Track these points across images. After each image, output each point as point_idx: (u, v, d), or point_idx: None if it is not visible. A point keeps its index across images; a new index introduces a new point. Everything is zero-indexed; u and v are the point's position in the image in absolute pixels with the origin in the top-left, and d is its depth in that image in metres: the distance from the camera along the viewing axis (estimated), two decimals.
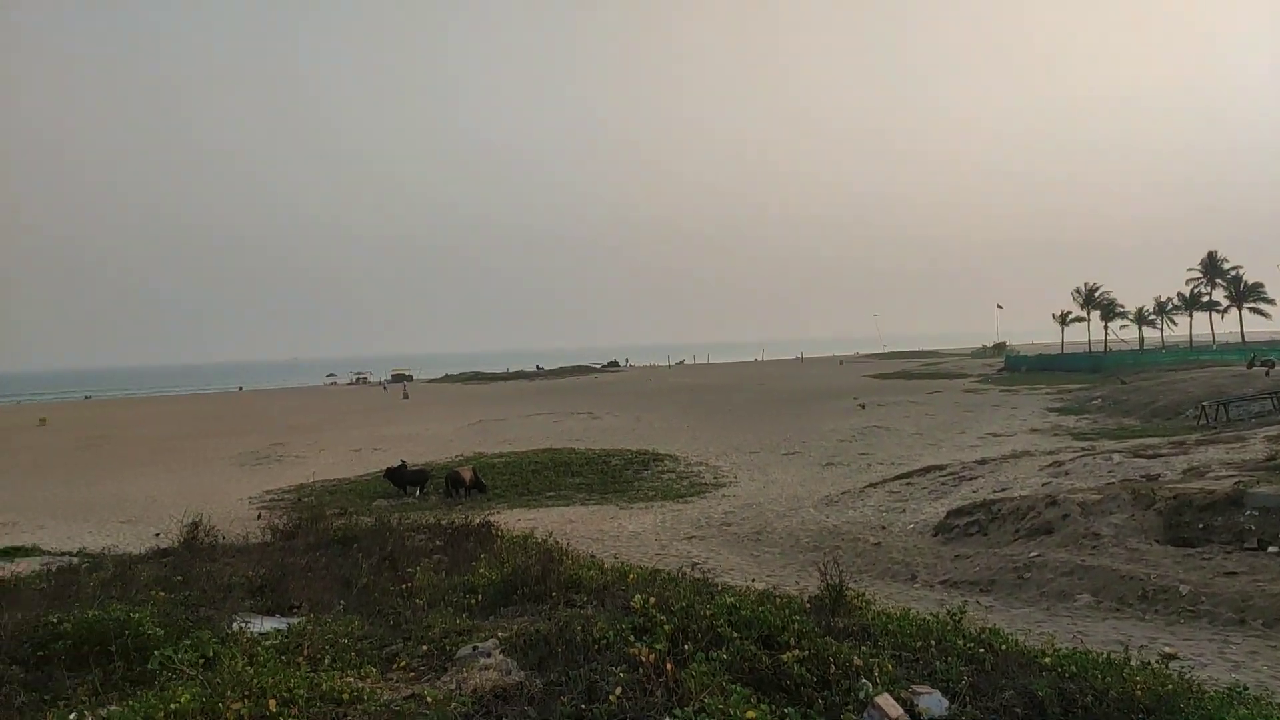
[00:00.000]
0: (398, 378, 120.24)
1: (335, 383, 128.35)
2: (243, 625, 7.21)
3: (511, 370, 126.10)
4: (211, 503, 24.52)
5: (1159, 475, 17.35)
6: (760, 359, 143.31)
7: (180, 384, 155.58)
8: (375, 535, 12.18)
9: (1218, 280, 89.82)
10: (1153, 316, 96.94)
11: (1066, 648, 6.27)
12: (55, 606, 8.10)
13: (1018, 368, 74.92)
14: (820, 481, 24.93)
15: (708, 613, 5.89)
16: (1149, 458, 19.35)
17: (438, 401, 74.59)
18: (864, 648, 5.63)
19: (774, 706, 4.56)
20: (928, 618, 6.77)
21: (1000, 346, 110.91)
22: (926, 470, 22.37)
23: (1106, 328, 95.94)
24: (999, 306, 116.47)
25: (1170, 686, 5.30)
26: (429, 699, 5.02)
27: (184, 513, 14.91)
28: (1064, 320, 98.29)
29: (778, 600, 6.87)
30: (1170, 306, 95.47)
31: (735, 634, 5.56)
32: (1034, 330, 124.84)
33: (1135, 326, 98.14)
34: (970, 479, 20.41)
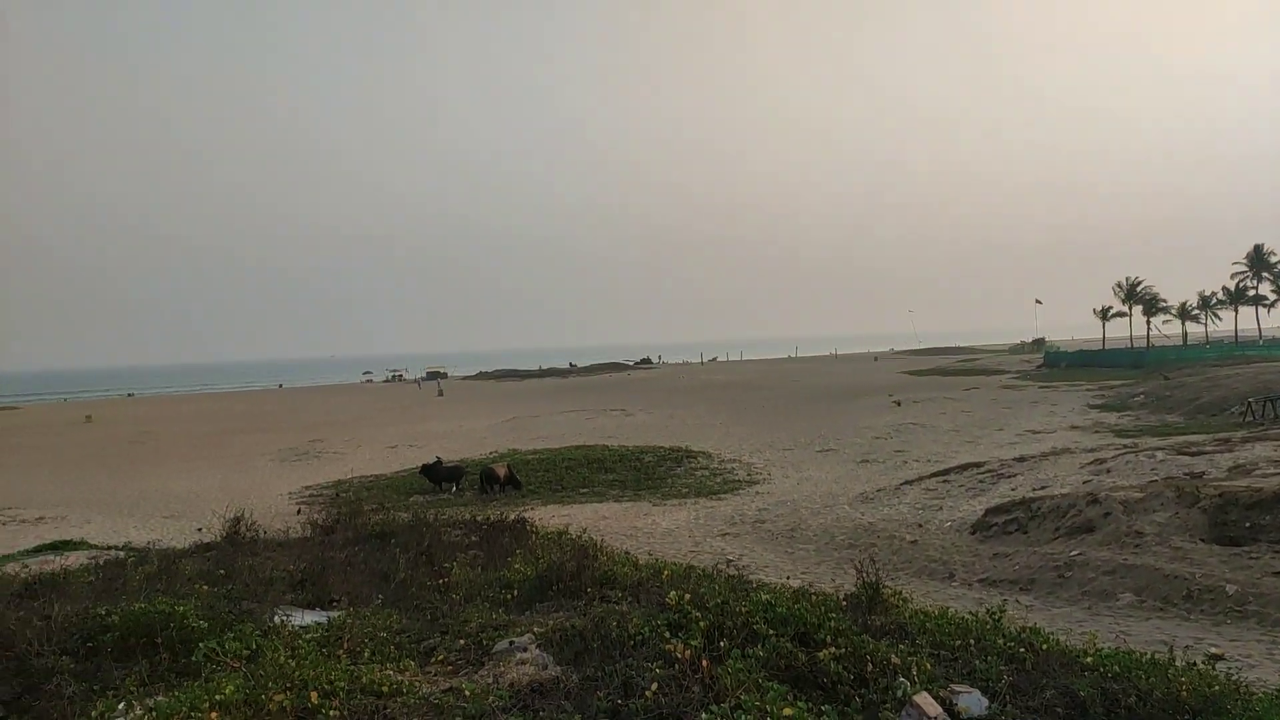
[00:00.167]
0: (432, 375, 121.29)
1: (371, 380, 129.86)
2: (284, 618, 7.32)
3: (544, 368, 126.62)
4: (253, 498, 24.96)
5: (1204, 473, 16.99)
6: (794, 355, 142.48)
7: (222, 381, 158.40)
8: (412, 531, 12.30)
9: (1264, 274, 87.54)
10: (1196, 311, 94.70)
11: (1109, 647, 6.17)
12: (103, 599, 8.29)
13: (1057, 364, 73.68)
14: (855, 479, 24.74)
15: (743, 609, 5.89)
16: (1193, 455, 18.94)
17: (472, 398, 75.15)
18: (901, 646, 5.59)
19: (811, 704, 4.54)
20: (966, 616, 6.70)
21: (1039, 342, 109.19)
22: (964, 467, 22.09)
23: (1149, 323, 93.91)
24: (1038, 302, 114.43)
25: (1217, 688, 5.20)
26: (467, 692, 5.07)
27: (226, 508, 15.19)
28: (1105, 315, 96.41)
29: (813, 598, 6.85)
30: (1215, 301, 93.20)
31: (771, 631, 5.55)
32: (1074, 325, 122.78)
33: (1179, 321, 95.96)
34: (1009, 476, 20.13)
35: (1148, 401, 39.69)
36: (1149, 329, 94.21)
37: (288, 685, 4.89)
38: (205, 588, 8.68)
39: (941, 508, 18.34)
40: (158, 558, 11.22)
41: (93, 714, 5.45)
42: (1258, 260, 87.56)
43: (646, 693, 4.67)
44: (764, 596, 6.31)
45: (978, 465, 22.14)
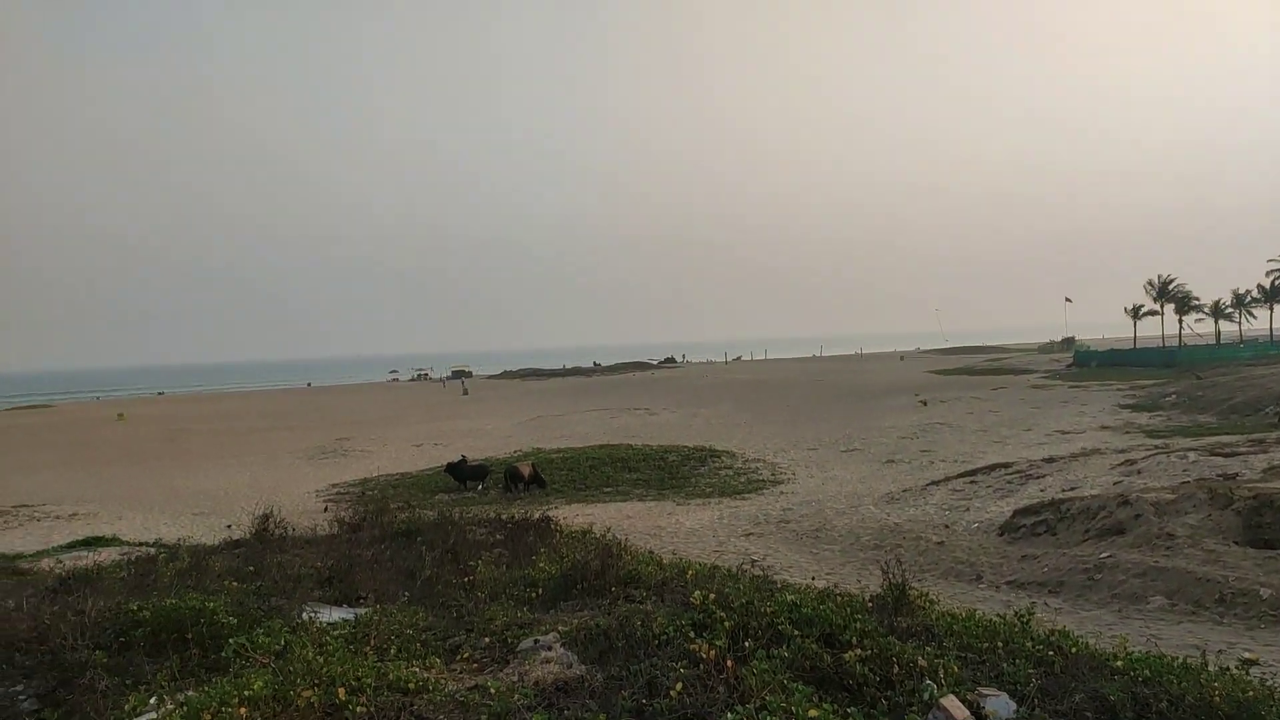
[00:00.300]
0: (457, 374, 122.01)
1: (397, 379, 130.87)
2: (312, 615, 7.39)
3: (568, 367, 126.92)
4: (281, 495, 25.23)
5: (1237, 474, 16.71)
6: (819, 355, 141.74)
7: (252, 380, 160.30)
8: (438, 529, 12.38)
9: None
10: (1230, 310, 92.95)
11: (1140, 651, 6.08)
12: (135, 595, 8.42)
13: (1087, 363, 72.70)
14: (881, 479, 24.58)
15: (768, 610, 5.86)
16: (1226, 456, 18.64)
17: (496, 397, 75.52)
18: (928, 648, 5.53)
19: (836, 706, 4.51)
20: (994, 619, 6.63)
21: (1069, 341, 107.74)
22: (991, 468, 21.88)
23: (1181, 321, 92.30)
24: (1068, 300, 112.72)
25: (1251, 693, 5.10)
26: (492, 690, 5.09)
27: (255, 505, 15.37)
28: (1136, 314, 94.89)
29: (839, 598, 6.81)
30: (1249, 299, 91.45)
31: (796, 632, 5.52)
32: (1105, 324, 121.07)
33: (1211, 320, 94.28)
34: (1037, 477, 19.92)
35: (1180, 401, 39.10)
36: (1181, 328, 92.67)
37: (315, 681, 4.94)
38: (235, 584, 8.80)
39: (969, 509, 18.18)
40: (188, 554, 11.36)
41: (125, 708, 5.54)
42: None
43: (671, 692, 4.66)
44: (789, 597, 6.28)
45: (1006, 466, 21.92)
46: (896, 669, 5.05)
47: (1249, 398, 35.57)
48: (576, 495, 24.87)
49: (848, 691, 4.91)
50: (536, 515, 13.88)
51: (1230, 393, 37.60)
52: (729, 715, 4.35)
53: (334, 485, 29.28)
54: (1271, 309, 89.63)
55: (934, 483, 21.58)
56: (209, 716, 4.63)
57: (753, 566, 12.89)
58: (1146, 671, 5.40)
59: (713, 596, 6.27)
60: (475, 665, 6.10)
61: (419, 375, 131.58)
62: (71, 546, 16.28)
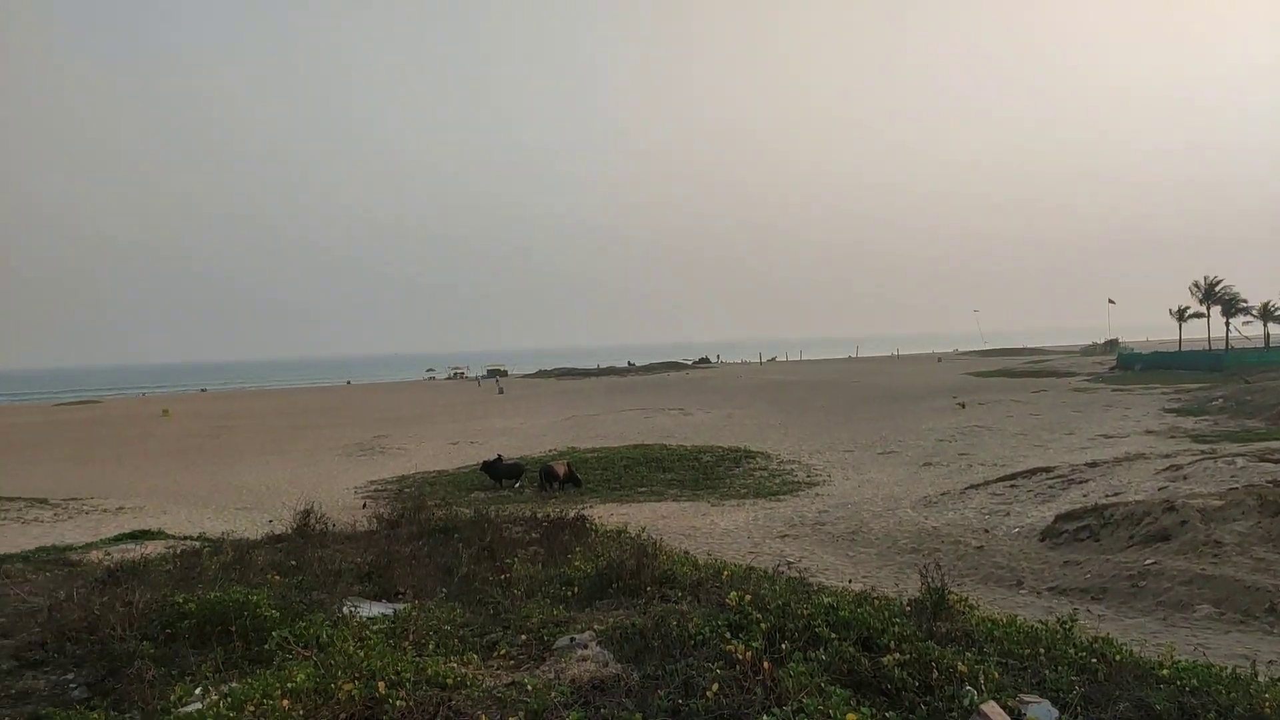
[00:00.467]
0: (493, 373, 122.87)
1: (434, 377, 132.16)
2: (352, 609, 7.50)
3: (603, 366, 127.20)
4: (320, 491, 25.60)
5: None
6: (855, 356, 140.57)
7: (293, 377, 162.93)
8: (474, 526, 12.47)
9: None
10: None
11: (1186, 660, 5.96)
12: (181, 587, 8.61)
13: (1131, 366, 71.24)
14: (918, 482, 24.31)
15: (805, 612, 5.84)
16: (1276, 462, 18.16)
17: (531, 396, 75.92)
18: (968, 654, 5.46)
19: (874, 710, 4.47)
20: (1036, 625, 6.54)
21: (1112, 343, 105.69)
22: (1032, 472, 21.54)
23: (1228, 324, 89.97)
24: (1111, 301, 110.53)
25: None
26: (529, 687, 5.13)
27: (296, 500, 15.61)
28: (1181, 316, 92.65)
29: (876, 602, 6.75)
30: None
31: (833, 635, 5.49)
32: (1149, 326, 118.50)
33: (1260, 323, 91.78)
34: (1080, 482, 19.56)
35: (1227, 406, 38.15)
36: (1228, 330, 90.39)
37: (356, 675, 5.01)
38: (277, 578, 8.95)
39: (1009, 513, 17.91)
40: (232, 548, 11.57)
41: (171, 698, 5.66)
42: None
43: (707, 693, 4.66)
44: (826, 599, 6.25)
45: (1047, 470, 21.56)
46: (936, 674, 4.99)
47: None
48: (611, 495, 24.92)
49: (886, 696, 4.87)
50: (572, 514, 13.92)
51: None
52: (765, 717, 4.33)
53: (372, 482, 29.64)
54: None
55: (973, 486, 21.30)
56: (252, 708, 4.72)
57: (788, 568, 12.84)
58: (1194, 681, 5.29)
59: (749, 598, 6.26)
60: (512, 662, 6.14)
61: (455, 374, 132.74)
62: (119, 539, 16.62)
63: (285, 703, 4.70)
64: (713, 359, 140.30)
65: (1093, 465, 21.67)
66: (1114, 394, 48.52)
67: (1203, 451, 22.47)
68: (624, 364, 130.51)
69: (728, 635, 5.58)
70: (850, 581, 12.16)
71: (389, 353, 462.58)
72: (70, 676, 6.67)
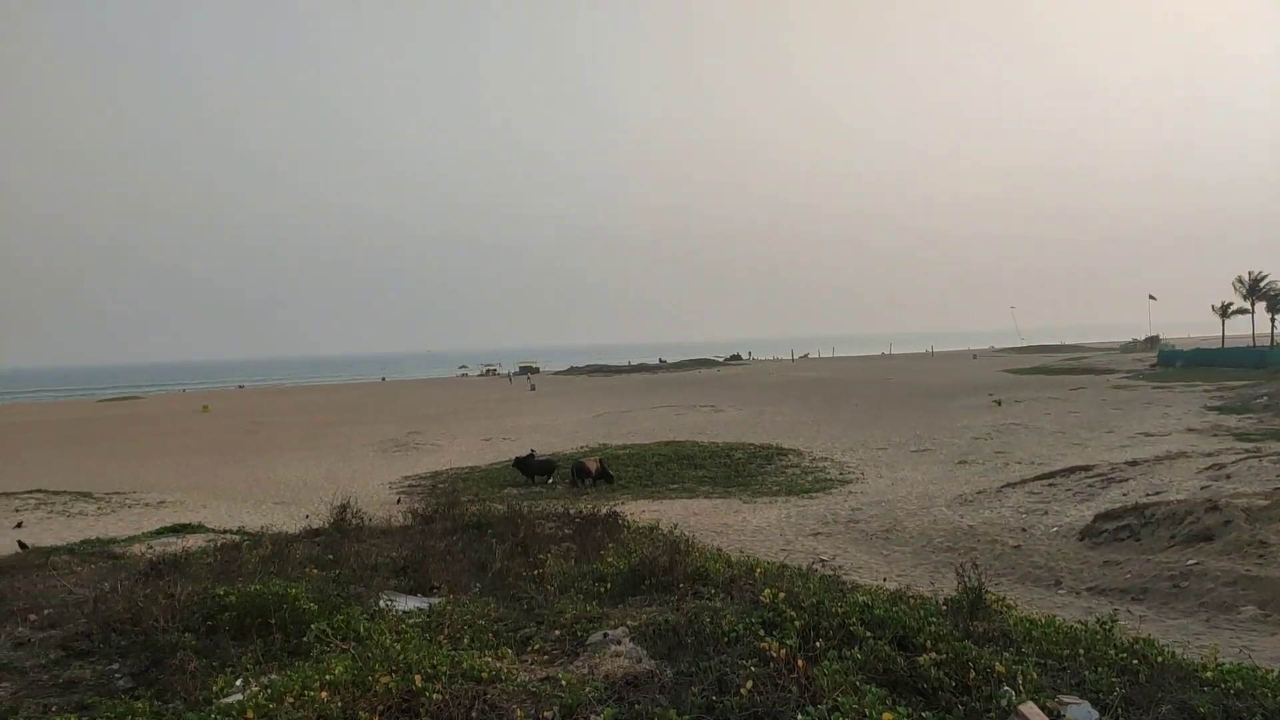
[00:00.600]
0: (525, 369, 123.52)
1: (467, 374, 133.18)
2: (388, 603, 7.59)
3: (634, 363, 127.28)
4: (356, 486, 25.91)
5: None
6: (888, 353, 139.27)
7: (329, 374, 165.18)
8: (508, 522, 12.56)
9: None
10: None
11: (1230, 663, 5.83)
12: (221, 580, 8.74)
13: (1172, 363, 69.80)
14: (953, 480, 24.05)
15: (839, 610, 5.81)
16: None
17: (563, 393, 76.19)
18: (1006, 654, 5.40)
19: (911, 710, 4.44)
20: (1075, 625, 6.45)
21: (1153, 340, 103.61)
22: (1070, 471, 21.20)
23: (1274, 320, 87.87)
24: (1152, 298, 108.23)
25: None
26: (564, 682, 5.16)
27: (332, 495, 15.81)
28: (1225, 312, 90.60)
29: (912, 600, 6.70)
30: None
31: (868, 633, 5.46)
32: (1191, 323, 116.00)
33: None
34: (1120, 481, 19.23)
35: (1272, 404, 37.25)
36: (1274, 326, 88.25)
37: (393, 668, 5.07)
38: (315, 571, 9.07)
39: (1047, 512, 17.65)
40: (270, 542, 11.73)
41: (213, 689, 5.77)
42: None
43: (742, 690, 4.65)
44: (860, 598, 6.21)
45: (1086, 469, 21.22)
46: (973, 674, 4.94)
47: None
48: (642, 491, 24.94)
49: (922, 696, 4.82)
50: (604, 510, 13.96)
51: None
52: (800, 716, 4.32)
53: (406, 477, 29.94)
54: None
55: (1009, 485, 21.02)
56: (291, 699, 4.79)
57: (822, 566, 12.77)
58: (1239, 683, 5.18)
59: (782, 595, 6.23)
60: (546, 657, 6.18)
61: (487, 371, 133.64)
62: (161, 533, 16.96)
63: (324, 695, 4.77)
64: (744, 356, 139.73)
65: (1133, 464, 21.30)
66: (1155, 391, 47.60)
67: (1246, 450, 21.98)
68: (655, 361, 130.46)
69: (762, 633, 5.57)
70: (884, 580, 12.07)
71: (423, 350, 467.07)
72: (115, 667, 6.81)
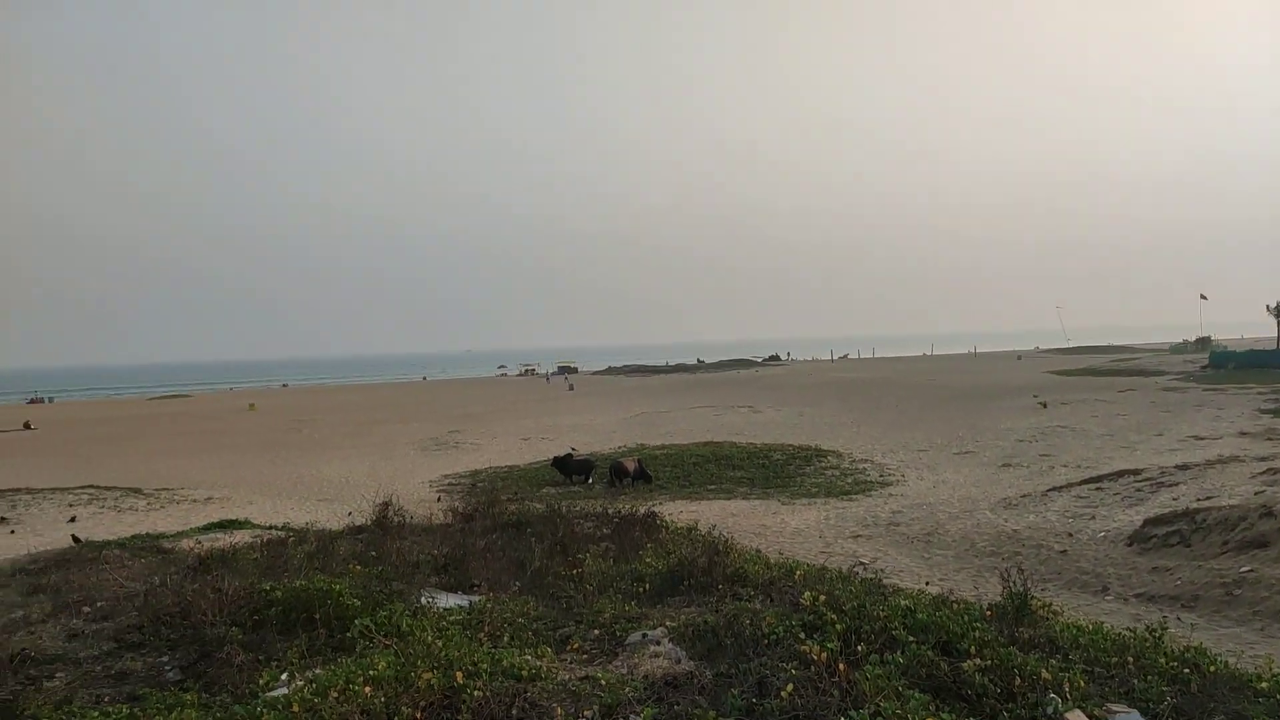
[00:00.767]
0: (563, 369, 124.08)
1: (505, 374, 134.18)
2: (430, 600, 7.67)
3: (672, 363, 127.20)
4: (397, 484, 26.23)
5: None
6: (929, 353, 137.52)
7: (372, 373, 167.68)
8: (546, 521, 12.62)
9: None
10: None
11: None
12: (268, 575, 8.91)
13: (1224, 364, 67.91)
14: (996, 483, 23.66)
15: (881, 614, 5.75)
16: None
17: (600, 393, 76.37)
18: (1052, 661, 5.31)
19: (954, 716, 4.38)
20: (1123, 632, 6.31)
21: (1204, 341, 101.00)
22: (1119, 474, 20.74)
23: None
24: (1203, 297, 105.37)
25: None
26: (603, 681, 5.17)
27: (374, 493, 16.02)
28: None
29: (955, 605, 6.61)
30: None
31: (911, 638, 5.39)
32: (1244, 323, 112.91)
33: None
34: (1170, 485, 18.76)
35: None
36: None
37: (434, 664, 5.12)
38: (358, 568, 9.20)
39: (1094, 517, 17.29)
40: (315, 538, 11.92)
41: (259, 682, 5.87)
42: None
43: (782, 693, 4.62)
44: (903, 602, 6.15)
45: (1134, 472, 20.74)
46: (1018, 681, 4.86)
47: None
48: (680, 492, 24.90)
49: (966, 702, 4.76)
50: (642, 510, 13.97)
51: None
52: None
53: (446, 476, 30.22)
54: None
55: (1055, 488, 20.63)
56: (336, 694, 4.86)
57: (863, 569, 12.65)
58: None
59: (823, 598, 6.19)
60: (585, 656, 6.20)
61: (526, 370, 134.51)
62: (208, 528, 17.30)
63: (367, 690, 4.84)
64: (783, 356, 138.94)
65: (1183, 468, 20.77)
66: (1206, 394, 46.37)
67: None
68: (693, 361, 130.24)
69: (802, 635, 5.53)
70: (926, 584, 11.91)
71: (462, 350, 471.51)
72: (165, 659, 6.97)
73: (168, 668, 6.81)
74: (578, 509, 14.82)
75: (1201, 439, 29.44)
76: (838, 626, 5.56)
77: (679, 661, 5.68)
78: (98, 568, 10.81)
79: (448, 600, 7.90)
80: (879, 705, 4.35)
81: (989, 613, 6.50)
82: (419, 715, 4.62)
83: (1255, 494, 16.52)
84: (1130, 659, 5.58)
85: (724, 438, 35.97)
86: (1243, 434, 30.22)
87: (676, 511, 19.01)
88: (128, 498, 24.94)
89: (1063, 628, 6.35)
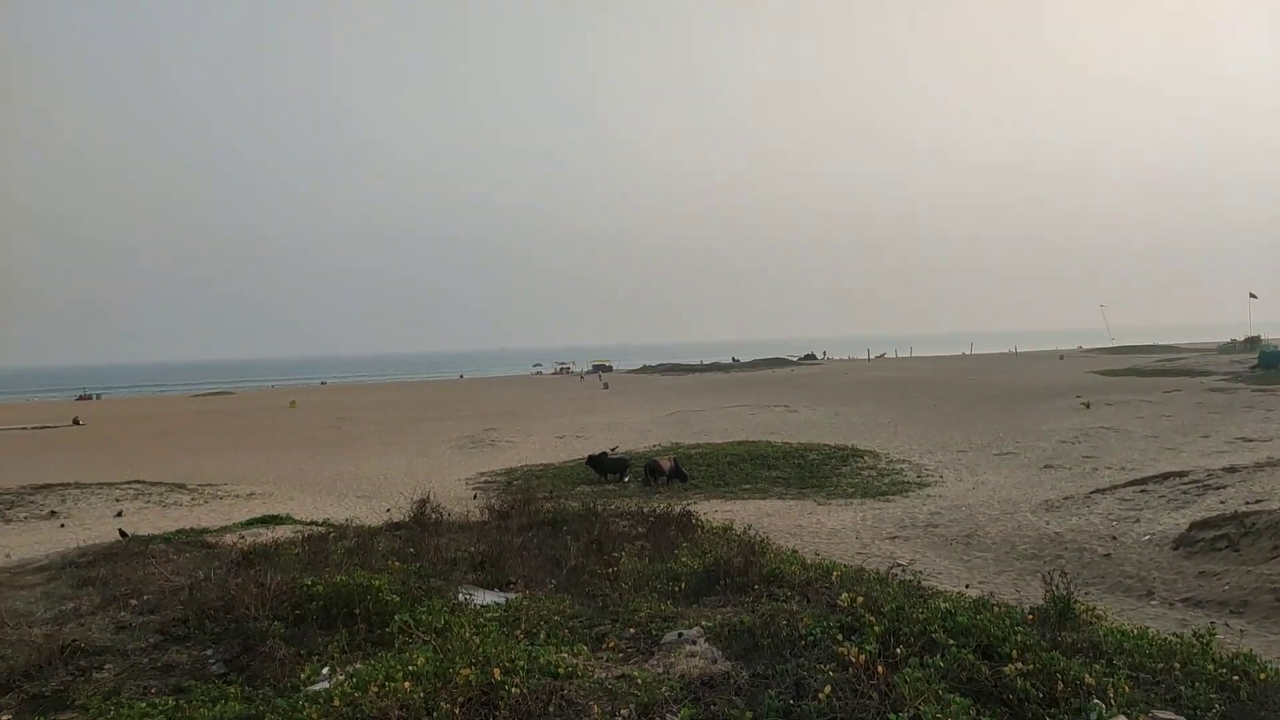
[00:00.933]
0: (598, 368, 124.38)
1: (541, 372, 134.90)
2: (467, 597, 7.74)
3: (707, 362, 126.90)
4: (434, 482, 26.46)
5: None
6: (968, 353, 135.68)
7: (410, 371, 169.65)
8: (582, 519, 12.66)
9: None
10: None
11: None
12: (309, 570, 9.05)
13: (1274, 364, 66.14)
14: (1038, 485, 23.28)
15: (920, 616, 5.69)
16: None
17: (635, 391, 76.42)
18: (1096, 666, 5.21)
19: None
20: (1170, 638, 6.18)
21: (1253, 341, 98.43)
22: (1164, 477, 20.31)
23: None
24: (1252, 296, 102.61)
25: None
26: (639, 680, 5.18)
27: (411, 490, 16.18)
28: None
29: (996, 608, 6.51)
30: None
31: (951, 641, 5.33)
32: None
33: None
34: (1217, 488, 18.33)
35: None
36: None
37: (472, 661, 5.17)
38: (397, 564, 9.31)
39: (1139, 520, 16.94)
40: (355, 534, 12.09)
41: (301, 676, 5.97)
42: None
43: (820, 695, 4.59)
44: (942, 604, 6.07)
45: (1180, 475, 20.29)
46: (1061, 686, 4.78)
47: None
48: (715, 491, 24.84)
49: (1007, 706, 4.69)
50: (677, 510, 13.95)
51: None
52: None
53: (482, 474, 30.45)
54: None
55: (1099, 491, 20.25)
56: (376, 688, 4.93)
57: (901, 571, 12.52)
58: None
59: (861, 599, 6.14)
60: (620, 654, 6.21)
61: (561, 369, 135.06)
62: (250, 524, 17.60)
63: (407, 685, 4.90)
64: (819, 355, 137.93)
65: (1231, 470, 20.28)
66: (1255, 395, 45.20)
67: None
68: (728, 360, 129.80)
69: (840, 637, 5.49)
70: (966, 587, 11.77)
71: (498, 348, 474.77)
72: (209, 652, 7.12)
73: (212, 661, 6.95)
74: (613, 507, 14.83)
75: (1250, 441, 28.73)
76: (876, 628, 5.51)
77: (715, 661, 5.67)
78: (144, 562, 11.06)
79: (485, 597, 7.96)
80: (919, 709, 4.31)
81: (1031, 616, 6.40)
82: (457, 711, 4.66)
83: None
84: (1177, 665, 5.47)
85: (759, 437, 35.81)
86: None
87: (711, 511, 18.98)
88: (172, 493, 25.49)
89: (1107, 632, 6.24)
